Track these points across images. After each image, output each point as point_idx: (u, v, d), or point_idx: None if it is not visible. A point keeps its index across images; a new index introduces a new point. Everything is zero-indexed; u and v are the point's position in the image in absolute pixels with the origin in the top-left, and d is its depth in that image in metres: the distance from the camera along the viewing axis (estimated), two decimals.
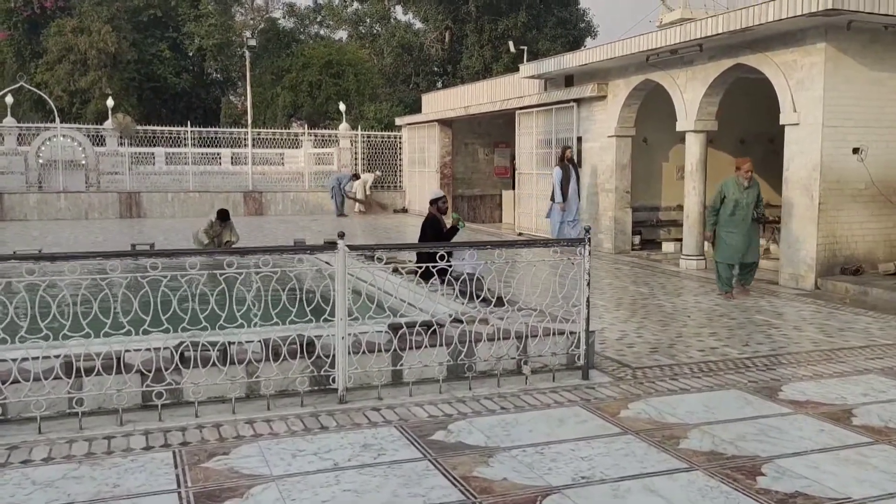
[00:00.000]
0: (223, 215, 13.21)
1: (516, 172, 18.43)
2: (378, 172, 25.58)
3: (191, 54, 33.96)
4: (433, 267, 6.06)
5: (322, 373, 5.56)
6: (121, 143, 24.19)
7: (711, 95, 12.37)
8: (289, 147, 27.01)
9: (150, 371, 5.18)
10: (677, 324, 8.42)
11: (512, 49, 25.22)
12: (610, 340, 7.59)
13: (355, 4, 45.73)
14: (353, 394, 5.64)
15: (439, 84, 43.99)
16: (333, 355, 5.54)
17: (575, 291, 6.27)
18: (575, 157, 15.12)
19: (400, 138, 26.44)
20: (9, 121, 23.39)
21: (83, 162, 23.37)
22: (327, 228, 19.09)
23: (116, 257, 5.05)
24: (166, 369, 5.24)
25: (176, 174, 24.82)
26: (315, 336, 5.62)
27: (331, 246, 5.60)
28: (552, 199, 14.80)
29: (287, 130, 27.32)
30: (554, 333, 6.32)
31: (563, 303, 6.37)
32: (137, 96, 31.71)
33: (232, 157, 27.13)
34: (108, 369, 5.07)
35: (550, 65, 15.91)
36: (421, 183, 24.43)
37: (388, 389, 5.78)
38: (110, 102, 25.44)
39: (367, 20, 44.73)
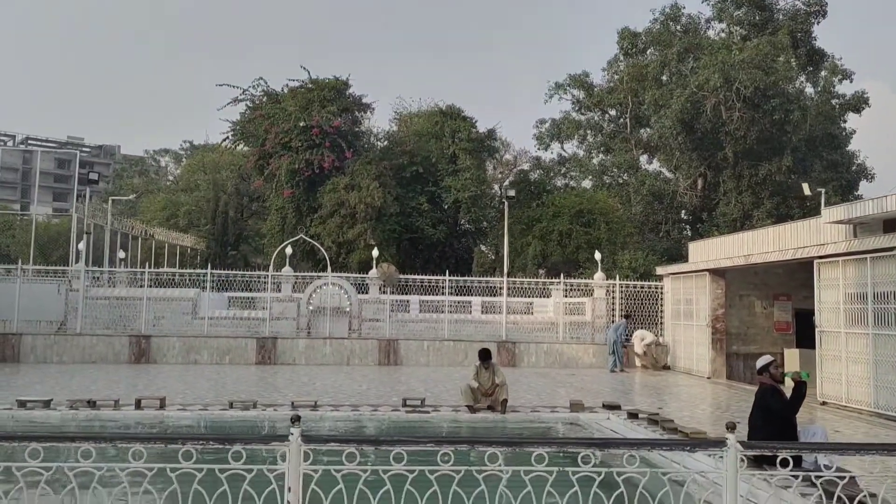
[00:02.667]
0: (485, 355, 12.32)
1: (817, 331, 15.87)
2: (661, 339, 23.75)
3: (446, 207, 35.23)
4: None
5: None
6: (382, 291, 24.90)
7: None
8: (538, 296, 26.32)
9: None
10: None
11: (807, 191, 22.96)
12: None
13: (601, 156, 45.87)
14: None
15: (687, 232, 41.99)
16: None
17: None
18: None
19: (661, 288, 24.69)
20: (287, 270, 25.08)
21: (347, 309, 24.22)
22: (598, 387, 17.58)
23: (447, 443, 3.99)
24: None
25: (430, 322, 24.90)
26: None
27: (710, 444, 4.16)
28: None
29: (542, 280, 26.66)
30: None
31: None
32: (396, 246, 33.15)
33: (482, 306, 26.92)
34: None
35: (866, 208, 13.72)
36: (687, 337, 22.28)
37: None
38: (375, 252, 26.56)
39: (615, 170, 44.45)
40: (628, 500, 4.01)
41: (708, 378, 20.54)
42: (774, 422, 7.32)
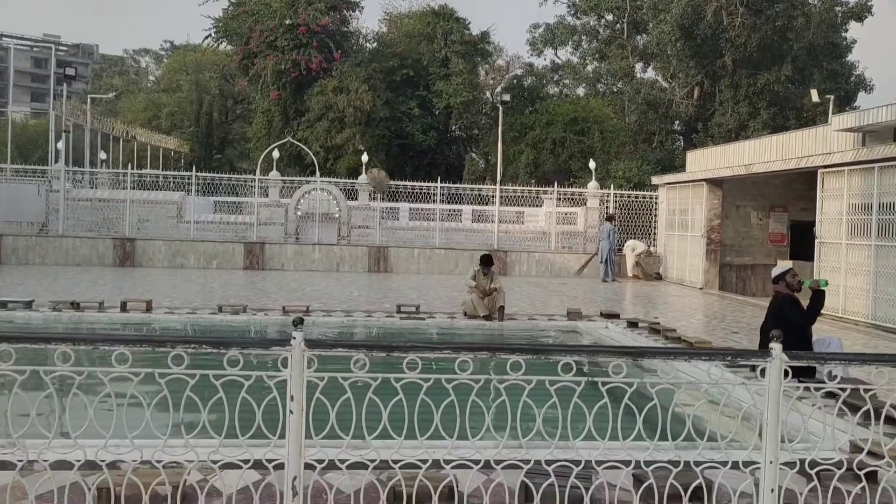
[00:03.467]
0: (487, 260, 12.01)
1: (816, 242, 15.63)
2: (653, 248, 23.43)
3: (437, 112, 34.30)
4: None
5: None
6: (372, 198, 24.37)
7: None
8: (530, 206, 25.92)
9: None
10: None
11: (815, 98, 22.26)
12: None
13: (595, 63, 44.65)
14: None
15: (681, 143, 41.34)
16: None
17: None
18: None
19: (655, 199, 24.31)
20: (274, 174, 24.41)
21: (336, 215, 23.74)
22: (592, 297, 17.41)
23: (467, 349, 3.60)
24: None
25: (420, 230, 24.52)
26: (703, 471, 3.80)
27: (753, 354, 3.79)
28: None
29: (535, 189, 26.17)
30: None
31: None
32: (386, 152, 32.39)
33: (473, 215, 26.54)
34: (429, 499, 3.63)
35: (878, 115, 13.22)
36: (681, 248, 22.06)
37: None
38: (365, 157, 25.87)
39: (609, 78, 43.37)
40: (662, 415, 3.68)
41: (700, 289, 20.44)
42: (791, 332, 7.01)
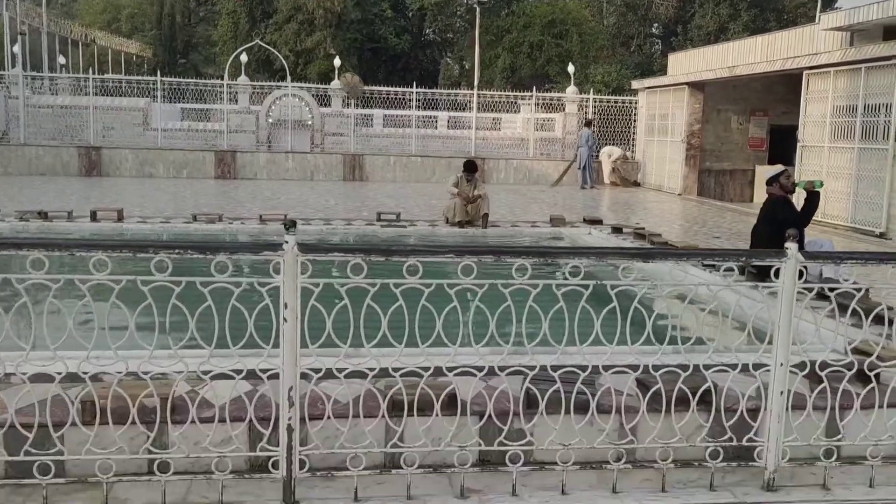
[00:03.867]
0: (471, 167, 11.72)
1: (798, 145, 15.50)
2: (629, 154, 23.17)
3: (411, 14, 33.14)
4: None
5: (745, 441, 3.67)
6: (346, 105, 23.68)
7: None
8: (507, 112, 25.41)
9: (489, 414, 3.57)
10: None
11: None
12: None
13: None
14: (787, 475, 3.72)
15: (659, 46, 40.57)
16: (746, 414, 3.62)
17: None
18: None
19: (635, 103, 23.92)
20: (243, 79, 23.54)
21: (309, 122, 23.08)
22: (571, 203, 17.28)
23: (462, 253, 3.39)
24: (515, 413, 3.61)
25: (396, 137, 24.00)
26: (710, 373, 3.70)
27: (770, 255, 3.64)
28: None
29: (513, 94, 25.57)
30: None
31: None
32: (358, 57, 31.40)
33: (449, 121, 26.00)
34: (430, 407, 3.50)
35: (869, 13, 12.86)
36: (661, 154, 21.88)
37: (834, 471, 3.79)
38: (337, 62, 24.98)
39: None
40: (664, 323, 3.53)
41: (679, 195, 20.38)
42: (783, 235, 6.90)
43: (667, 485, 3.59)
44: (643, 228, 10.58)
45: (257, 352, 3.30)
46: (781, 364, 3.54)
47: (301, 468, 3.34)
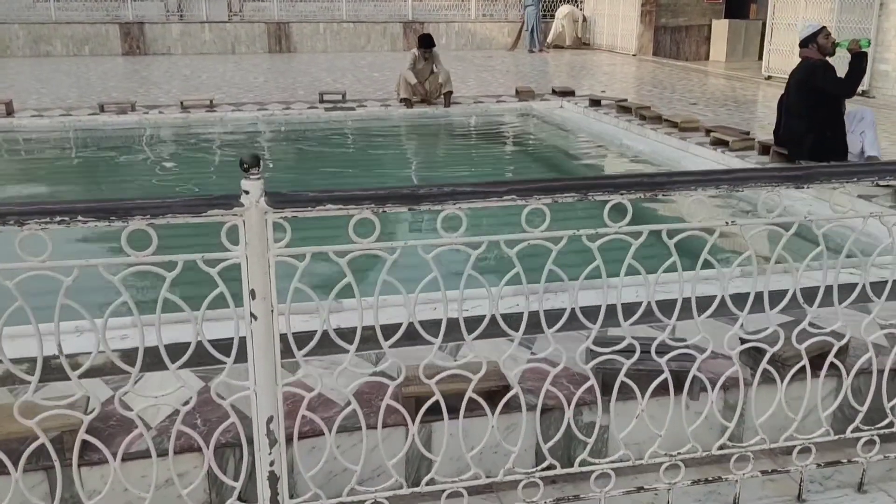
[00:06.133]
0: (427, 41, 10.12)
1: None
2: (581, 12, 21.41)
3: None
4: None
5: None
6: None
7: None
8: None
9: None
10: None
11: None
12: None
13: None
14: None
15: None
16: None
17: None
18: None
19: None
20: None
21: None
22: (524, 70, 15.84)
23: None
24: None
25: (323, 1, 21.64)
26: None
27: None
28: None
29: None
30: None
31: None
32: None
33: None
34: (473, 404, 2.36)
35: None
36: (612, 10, 20.29)
37: None
38: None
39: None
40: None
41: (634, 55, 19.06)
42: (823, 106, 5.82)
43: (804, 491, 2.60)
44: (625, 100, 9.35)
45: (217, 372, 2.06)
46: None
47: None
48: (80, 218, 1.83)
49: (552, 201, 2.10)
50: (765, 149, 6.53)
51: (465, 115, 9.83)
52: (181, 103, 9.75)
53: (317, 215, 1.98)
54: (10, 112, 9.29)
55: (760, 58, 18.97)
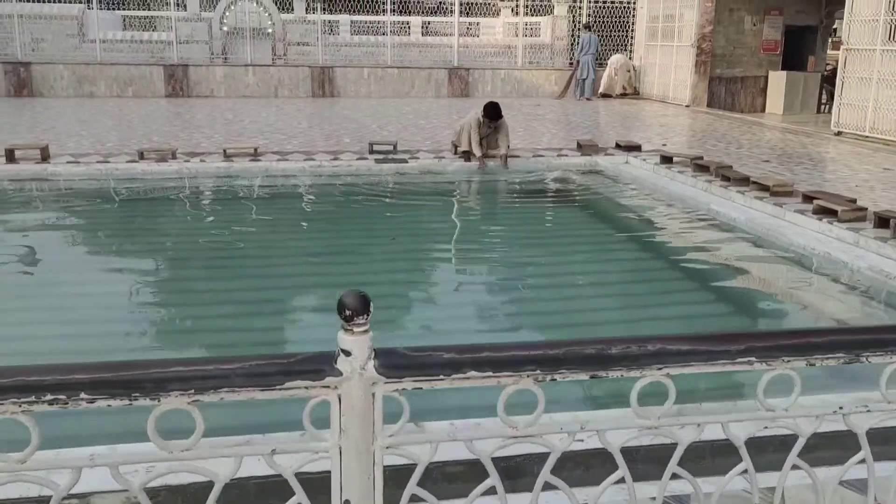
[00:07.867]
0: (494, 112, 9.27)
1: (842, 49, 13.50)
2: (632, 61, 20.93)
3: None
4: None
5: None
6: (310, 9, 20.88)
7: None
8: (485, 16, 22.90)
9: None
10: None
11: None
12: None
13: None
14: None
15: None
16: None
17: None
18: None
19: (634, 3, 21.52)
20: None
21: (270, 30, 20.30)
22: (577, 120, 15.21)
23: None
24: None
25: (367, 46, 21.36)
26: None
27: None
28: None
29: None
30: None
31: None
32: None
33: (423, 27, 23.44)
34: None
35: None
36: (665, 61, 19.69)
37: None
38: None
39: None
40: None
41: (687, 106, 18.38)
42: None
43: None
44: (701, 158, 8.60)
45: None
46: None
47: None
48: (83, 396, 1.14)
49: (806, 364, 1.36)
50: (882, 221, 5.73)
51: (522, 169, 9.13)
52: (224, 151, 9.21)
53: (452, 386, 1.26)
54: (45, 157, 8.82)
55: (818, 111, 18.31)
